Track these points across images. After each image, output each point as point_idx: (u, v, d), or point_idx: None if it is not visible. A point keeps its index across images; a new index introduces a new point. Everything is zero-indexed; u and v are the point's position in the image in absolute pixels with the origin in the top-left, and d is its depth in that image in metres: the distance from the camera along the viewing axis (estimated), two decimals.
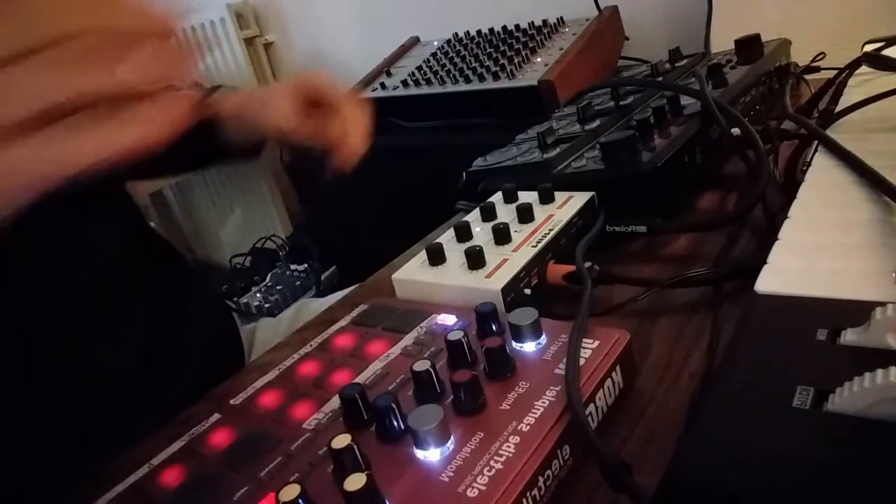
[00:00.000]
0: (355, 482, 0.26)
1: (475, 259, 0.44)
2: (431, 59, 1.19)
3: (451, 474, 0.28)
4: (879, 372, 0.22)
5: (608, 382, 0.33)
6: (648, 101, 0.65)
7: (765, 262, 0.34)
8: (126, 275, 0.55)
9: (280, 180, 1.99)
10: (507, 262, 0.44)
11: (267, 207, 2.03)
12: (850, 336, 0.26)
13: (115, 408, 0.51)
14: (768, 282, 0.32)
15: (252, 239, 1.95)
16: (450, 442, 0.29)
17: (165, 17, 0.26)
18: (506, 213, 0.52)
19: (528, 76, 0.93)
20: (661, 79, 0.71)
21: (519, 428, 0.29)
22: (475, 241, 0.48)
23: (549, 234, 0.47)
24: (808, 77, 0.75)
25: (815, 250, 0.34)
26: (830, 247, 0.34)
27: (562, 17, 1.10)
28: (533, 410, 0.30)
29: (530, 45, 1.03)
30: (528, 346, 0.35)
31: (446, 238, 0.51)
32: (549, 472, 0.28)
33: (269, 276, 1.77)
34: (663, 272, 0.46)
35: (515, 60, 0.99)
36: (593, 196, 0.51)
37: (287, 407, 0.36)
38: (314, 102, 0.60)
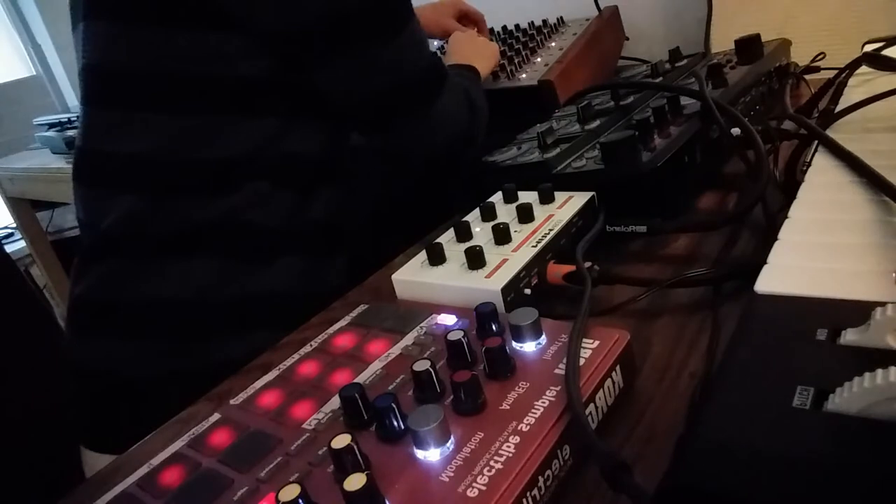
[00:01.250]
0: (355, 482, 0.26)
1: (475, 259, 0.44)
2: None
3: (451, 474, 0.28)
4: (879, 372, 0.22)
5: (608, 382, 0.33)
6: (648, 101, 0.65)
7: (765, 262, 0.34)
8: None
9: None
10: (507, 262, 0.44)
11: None
12: (850, 336, 0.26)
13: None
14: (768, 282, 0.32)
15: None
16: (450, 442, 0.29)
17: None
18: (506, 212, 0.52)
19: (528, 76, 0.93)
20: (661, 79, 0.71)
21: (519, 428, 0.29)
22: (475, 241, 0.48)
23: (549, 234, 0.46)
24: (808, 77, 0.75)
25: (814, 250, 0.34)
26: (830, 247, 0.34)
27: (562, 17, 1.10)
28: (533, 410, 0.30)
29: (530, 45, 1.03)
30: (528, 346, 0.35)
31: (446, 238, 0.51)
32: (549, 472, 0.28)
33: None
34: (663, 272, 0.46)
35: (515, 60, 0.98)
36: (593, 196, 0.51)
37: (287, 407, 0.36)
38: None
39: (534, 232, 0.47)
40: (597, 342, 0.34)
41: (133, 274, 0.61)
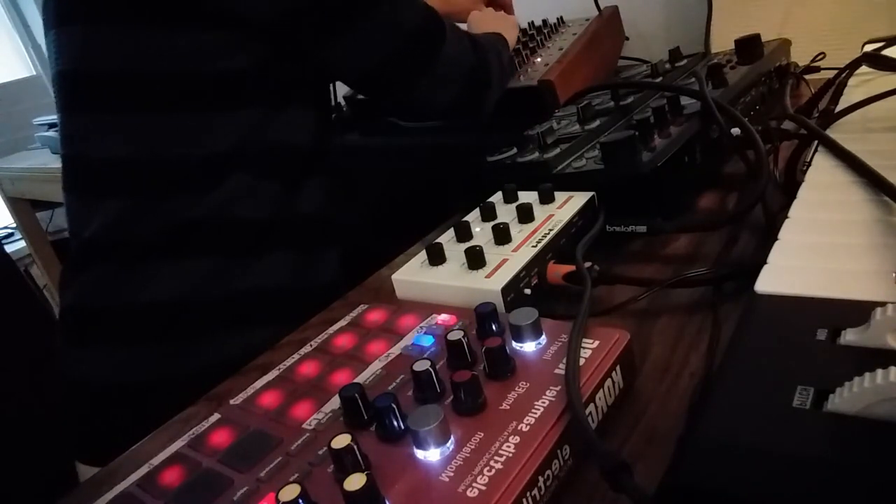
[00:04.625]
0: (355, 482, 0.26)
1: (475, 259, 0.44)
2: None
3: (451, 474, 0.28)
4: (879, 372, 0.22)
5: (608, 382, 0.33)
6: (648, 101, 0.65)
7: (765, 262, 0.34)
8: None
9: None
10: (507, 262, 0.44)
11: None
12: (850, 336, 0.26)
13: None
14: (768, 282, 0.32)
15: None
16: (450, 442, 0.29)
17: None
18: (506, 212, 0.52)
19: (528, 76, 0.93)
20: (661, 79, 0.71)
21: (519, 428, 0.29)
22: (475, 241, 0.48)
23: (549, 234, 0.46)
24: (808, 77, 0.75)
25: (815, 250, 0.34)
26: (830, 247, 0.34)
27: (562, 17, 1.10)
28: (533, 410, 0.30)
29: (530, 45, 1.03)
30: (528, 346, 0.35)
31: (446, 238, 0.51)
32: (549, 472, 0.28)
33: None
34: (663, 272, 0.46)
35: (515, 61, 0.98)
36: (593, 196, 0.51)
37: (287, 407, 0.36)
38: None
39: (534, 232, 0.47)
40: (597, 342, 0.34)
41: (122, 279, 0.60)
